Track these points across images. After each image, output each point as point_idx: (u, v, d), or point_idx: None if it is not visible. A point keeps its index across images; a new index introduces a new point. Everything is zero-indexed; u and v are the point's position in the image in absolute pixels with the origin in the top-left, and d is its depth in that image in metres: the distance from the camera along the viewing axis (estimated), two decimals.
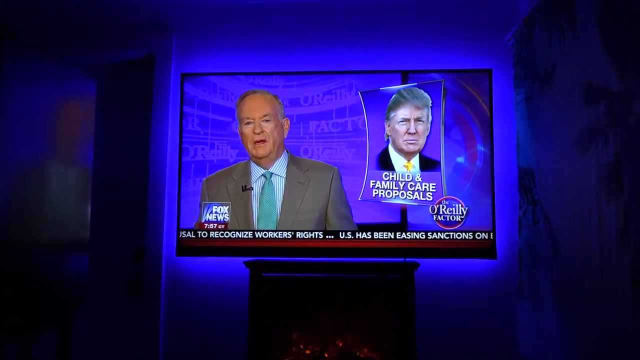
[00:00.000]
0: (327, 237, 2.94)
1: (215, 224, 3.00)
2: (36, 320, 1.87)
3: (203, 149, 3.07)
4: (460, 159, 2.99)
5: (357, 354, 2.81)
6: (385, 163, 2.99)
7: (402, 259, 2.86)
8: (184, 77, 3.12)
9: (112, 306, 3.10)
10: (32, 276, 2.02)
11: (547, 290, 2.64)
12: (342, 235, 2.94)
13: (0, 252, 1.82)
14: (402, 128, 3.00)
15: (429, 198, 2.95)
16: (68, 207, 2.41)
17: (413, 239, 2.92)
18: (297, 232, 2.95)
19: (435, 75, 3.02)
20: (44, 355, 1.89)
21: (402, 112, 3.00)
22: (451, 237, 2.92)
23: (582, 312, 2.30)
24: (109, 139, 3.33)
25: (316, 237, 2.95)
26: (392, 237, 2.93)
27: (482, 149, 2.98)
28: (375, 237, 2.94)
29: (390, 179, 2.97)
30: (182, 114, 3.10)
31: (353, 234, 2.94)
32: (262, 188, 3.00)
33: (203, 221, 3.00)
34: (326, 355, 2.81)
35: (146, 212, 3.11)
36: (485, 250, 2.93)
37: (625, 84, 1.94)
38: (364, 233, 2.94)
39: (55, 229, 2.27)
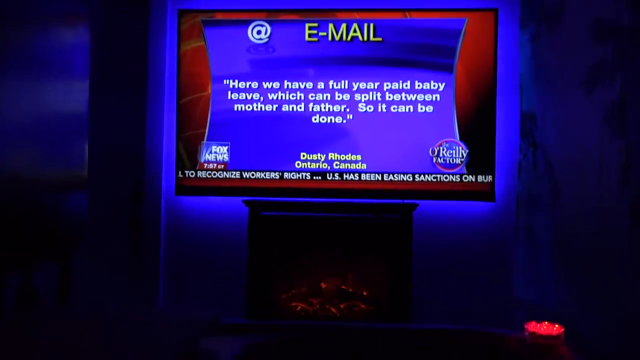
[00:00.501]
0: (328, 177, 2.94)
1: (215, 164, 2.99)
2: (36, 253, 1.89)
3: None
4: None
5: (354, 292, 2.86)
6: None
7: (400, 200, 2.87)
8: (181, 13, 3.04)
9: (112, 245, 3.13)
10: (32, 211, 2.02)
11: (544, 234, 2.66)
12: (344, 177, 2.94)
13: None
14: None
15: None
16: (65, 145, 2.39)
17: (412, 181, 2.92)
18: (300, 173, 2.95)
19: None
20: (45, 287, 1.92)
21: None
22: (450, 180, 2.92)
23: (579, 255, 2.32)
24: (105, 81, 3.27)
25: (316, 178, 2.94)
26: (392, 179, 2.93)
27: (485, 91, 2.94)
28: (375, 179, 2.93)
29: None
30: (179, 51, 3.03)
31: (355, 175, 2.93)
32: None
33: (202, 161, 2.99)
34: (324, 293, 2.86)
35: (144, 152, 3.09)
36: (484, 193, 2.93)
37: (636, 20, 1.89)
38: (365, 175, 2.93)
39: (53, 166, 2.25)
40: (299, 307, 2.87)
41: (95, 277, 2.97)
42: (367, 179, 2.93)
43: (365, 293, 2.87)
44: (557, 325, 1.40)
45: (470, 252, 3.02)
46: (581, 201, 2.29)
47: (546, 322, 1.41)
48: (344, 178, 2.94)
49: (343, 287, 2.87)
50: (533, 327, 1.42)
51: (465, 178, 2.93)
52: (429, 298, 2.91)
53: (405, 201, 2.85)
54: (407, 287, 2.75)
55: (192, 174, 3.00)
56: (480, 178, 2.92)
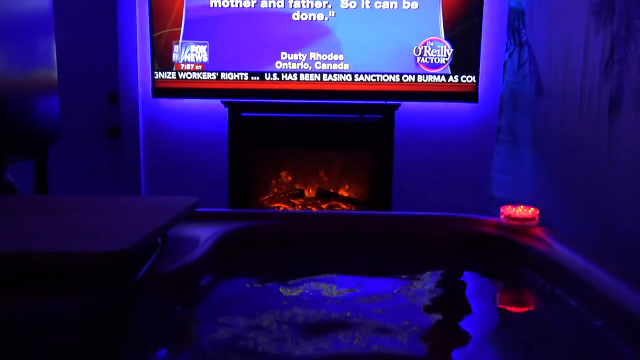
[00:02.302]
0: (309, 78, 2.87)
1: (193, 64, 2.89)
2: (7, 149, 1.85)
3: None
4: None
5: (336, 193, 2.89)
6: None
7: (383, 101, 2.83)
8: None
9: (90, 147, 3.09)
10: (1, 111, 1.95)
11: (525, 133, 2.67)
12: (326, 77, 2.87)
13: None
14: None
15: None
16: (30, 44, 2.27)
17: (395, 82, 2.87)
18: (281, 74, 2.87)
19: None
20: (22, 183, 1.90)
21: None
22: (434, 81, 2.87)
23: (558, 152, 2.35)
24: None
25: (298, 78, 2.87)
26: (375, 79, 2.87)
27: None
28: (358, 80, 2.87)
29: None
30: None
31: (338, 75, 2.86)
32: None
33: (180, 61, 2.88)
34: (305, 194, 2.88)
35: (118, 53, 2.96)
36: (467, 94, 2.90)
37: None
38: (348, 75, 2.87)
39: (20, 66, 2.15)
40: (281, 208, 2.90)
41: (74, 176, 2.96)
42: (350, 79, 2.87)
43: (346, 194, 2.90)
44: (532, 208, 1.42)
45: (451, 153, 3.04)
46: (564, 98, 2.28)
47: (521, 206, 1.43)
48: (326, 79, 2.87)
49: (324, 188, 2.89)
50: (508, 210, 1.44)
51: (449, 78, 2.88)
52: (409, 198, 2.95)
53: (387, 102, 2.81)
54: (388, 187, 2.78)
55: (169, 75, 2.90)
56: (464, 79, 2.88)
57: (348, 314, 1.16)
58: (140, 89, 3.01)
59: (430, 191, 3.03)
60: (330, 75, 2.87)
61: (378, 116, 2.77)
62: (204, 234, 1.37)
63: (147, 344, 1.03)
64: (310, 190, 2.90)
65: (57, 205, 1.37)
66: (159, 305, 1.09)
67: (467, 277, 1.42)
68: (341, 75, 2.87)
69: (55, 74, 2.54)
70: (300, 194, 2.87)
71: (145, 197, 2.13)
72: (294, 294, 1.29)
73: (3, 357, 0.95)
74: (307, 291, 1.31)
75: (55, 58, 2.56)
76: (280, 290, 1.29)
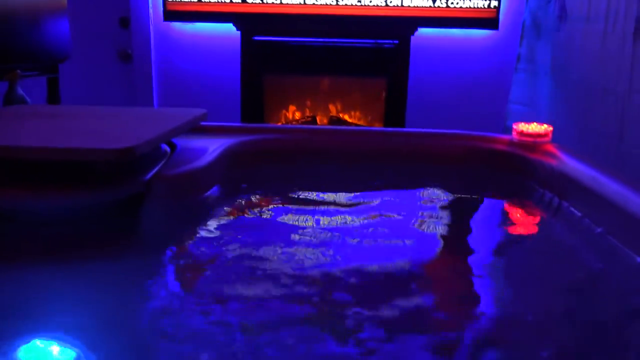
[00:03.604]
0: (325, 1, 2.77)
1: None
2: (19, 64, 1.85)
3: None
4: None
5: (349, 120, 2.86)
6: None
7: (399, 26, 2.75)
8: None
9: (103, 71, 3.07)
10: (12, 30, 1.94)
11: (545, 62, 2.59)
12: (341, 1, 2.78)
13: None
14: None
15: None
16: None
17: (412, 6, 2.77)
18: None
19: None
20: (36, 98, 1.93)
21: None
22: (452, 5, 2.77)
23: (577, 81, 2.28)
24: None
25: (312, 2, 2.78)
26: (391, 3, 2.77)
27: None
28: (373, 4, 2.77)
29: None
30: None
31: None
32: None
33: None
34: (317, 121, 2.86)
35: None
36: (488, 20, 2.80)
37: None
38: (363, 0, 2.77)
39: None
40: None
41: (87, 100, 2.97)
42: (366, 3, 2.78)
43: (359, 121, 2.88)
44: (545, 125, 1.40)
45: (468, 82, 2.97)
46: (587, 21, 2.19)
47: (535, 122, 1.40)
48: (341, 2, 2.78)
49: (338, 115, 2.86)
50: (521, 127, 1.41)
51: (469, 4, 2.77)
52: (423, 127, 2.90)
53: (403, 27, 2.73)
54: (402, 115, 2.74)
55: None
56: (484, 3, 2.77)
57: (352, 224, 1.17)
58: (151, 12, 2.95)
59: (445, 122, 2.99)
60: None
61: (394, 42, 2.70)
62: (213, 144, 1.37)
63: (154, 239, 1.06)
64: (323, 117, 2.88)
65: (69, 112, 1.38)
66: (166, 206, 1.11)
67: (476, 193, 1.42)
68: None
69: None
70: (313, 121, 2.85)
71: (154, 108, 2.13)
72: (300, 205, 1.31)
73: (23, 247, 0.99)
74: (312, 204, 1.32)
75: None
76: (287, 201, 1.30)
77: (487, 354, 0.76)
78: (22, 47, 1.94)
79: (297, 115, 2.91)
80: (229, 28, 2.81)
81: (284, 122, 2.89)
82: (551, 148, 1.34)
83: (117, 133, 1.12)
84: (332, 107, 2.89)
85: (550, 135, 1.39)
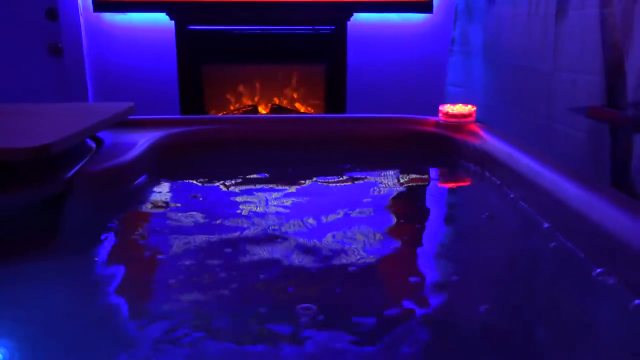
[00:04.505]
0: None
1: None
2: None
3: None
4: None
5: (289, 107, 2.86)
6: None
7: (335, 12, 2.76)
8: None
9: (32, 66, 2.95)
10: None
11: (477, 44, 2.66)
12: None
13: None
14: None
15: None
16: None
17: None
18: None
19: None
20: None
21: None
22: None
23: (506, 62, 2.36)
24: None
25: None
26: None
27: None
28: None
29: None
30: None
31: None
32: None
33: None
34: (259, 111, 2.85)
35: None
36: (422, 4, 2.84)
37: None
38: None
39: None
40: None
41: (17, 97, 2.85)
42: None
43: (301, 108, 2.88)
44: (469, 106, 1.44)
45: (407, 65, 3.01)
46: (513, 4, 2.26)
47: (460, 104, 1.45)
48: None
49: (278, 103, 2.86)
50: (446, 108, 1.46)
51: None
52: (363, 112, 2.94)
53: (339, 12, 2.74)
54: (342, 100, 2.76)
55: None
56: None
57: (286, 211, 1.17)
58: (80, 2, 2.85)
59: (386, 106, 3.03)
60: None
61: (331, 27, 2.71)
62: (140, 138, 1.35)
63: (77, 238, 1.03)
64: (265, 106, 2.87)
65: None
66: (91, 203, 1.09)
67: (409, 171, 1.45)
68: None
69: None
70: (254, 110, 2.83)
71: (79, 103, 2.06)
72: (237, 195, 1.30)
73: None
74: (243, 195, 1.32)
75: None
76: (223, 190, 1.30)
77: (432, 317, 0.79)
78: None
79: (238, 104, 2.89)
80: (162, 18, 2.74)
81: (225, 113, 2.86)
82: (475, 128, 1.39)
83: (34, 130, 1.09)
84: (272, 95, 2.88)
85: (474, 115, 1.43)
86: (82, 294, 0.91)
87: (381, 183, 1.38)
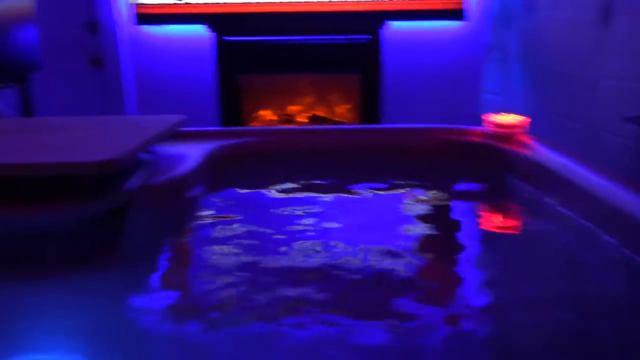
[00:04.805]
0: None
1: None
2: None
3: None
4: None
5: (324, 116, 2.87)
6: None
7: (370, 21, 2.76)
8: None
9: (74, 77, 3.02)
10: None
11: (515, 50, 2.63)
12: None
13: None
14: None
15: None
16: None
17: (382, 0, 2.78)
18: None
19: None
20: (10, 109, 1.90)
21: None
22: None
23: (547, 67, 2.33)
24: None
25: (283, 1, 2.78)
26: None
27: None
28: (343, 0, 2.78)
29: None
30: None
31: None
32: None
33: None
34: (295, 120, 2.87)
35: None
36: (454, 11, 2.83)
37: None
38: None
39: None
40: None
41: (59, 108, 2.92)
42: None
43: (337, 117, 2.89)
44: (520, 116, 1.43)
45: (441, 72, 3.00)
46: (554, 9, 2.23)
47: (509, 113, 1.43)
48: (312, 0, 2.78)
49: (314, 112, 2.87)
50: (495, 118, 1.44)
51: None
52: (400, 120, 2.94)
53: (373, 21, 2.75)
54: (378, 109, 2.76)
55: (149, 0, 2.80)
56: None
57: (330, 218, 1.18)
58: (120, 15, 2.91)
59: (419, 113, 3.02)
60: None
61: (365, 36, 2.72)
62: (192, 150, 1.37)
63: (142, 250, 1.06)
64: (301, 116, 2.88)
65: (45, 124, 1.36)
66: (152, 214, 1.11)
67: (452, 185, 1.44)
68: None
69: (31, 3, 2.45)
70: (291, 120, 2.85)
71: (131, 117, 2.11)
72: (283, 198, 1.31)
73: (5, 263, 0.98)
74: (296, 204, 1.33)
75: None
76: (271, 196, 1.31)
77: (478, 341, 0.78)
78: None
79: (274, 114, 2.91)
80: (200, 30, 2.79)
81: (261, 122, 2.89)
82: (525, 138, 1.38)
83: (95, 145, 1.12)
84: (309, 105, 2.90)
85: (525, 126, 1.42)
86: (144, 302, 0.93)
87: (424, 195, 1.37)
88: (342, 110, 2.91)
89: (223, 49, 2.72)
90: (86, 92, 3.02)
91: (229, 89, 2.76)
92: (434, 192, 1.42)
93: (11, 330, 0.82)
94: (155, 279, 1.01)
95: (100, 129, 1.32)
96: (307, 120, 2.86)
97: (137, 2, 2.80)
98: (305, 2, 2.77)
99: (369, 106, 2.78)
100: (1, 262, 1.01)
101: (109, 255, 1.05)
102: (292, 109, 2.89)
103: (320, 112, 2.88)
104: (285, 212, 1.28)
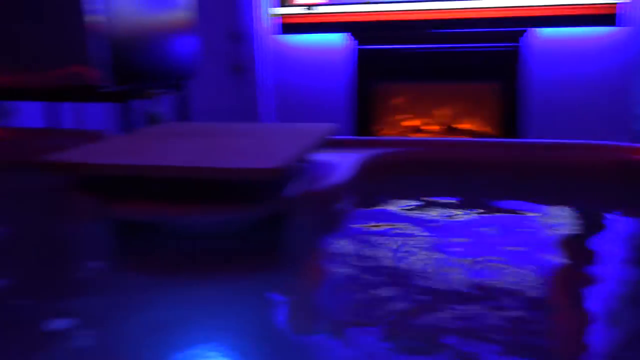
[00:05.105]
0: (432, 7, 2.74)
1: None
2: (155, 85, 2.01)
3: None
4: None
5: (461, 127, 2.80)
6: None
7: (511, 29, 2.66)
8: None
9: (215, 83, 3.23)
10: (146, 48, 2.11)
11: None
12: (452, 5, 2.73)
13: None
14: None
15: None
16: None
17: (525, 6, 2.66)
18: (403, 4, 2.77)
19: None
20: (168, 114, 2.09)
21: None
22: (568, 3, 2.63)
23: None
24: None
25: (420, 8, 2.76)
26: (503, 4, 2.68)
27: None
28: (484, 6, 2.70)
29: None
30: None
31: (463, 2, 2.71)
32: None
33: None
34: (428, 128, 2.83)
35: None
36: (605, 17, 2.63)
37: None
38: (473, 1, 2.70)
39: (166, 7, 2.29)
40: None
41: (201, 112, 3.14)
42: (476, 6, 2.71)
43: (472, 128, 2.81)
44: None
45: (590, 83, 2.80)
46: None
47: None
48: (452, 7, 2.74)
49: (449, 122, 2.82)
50: None
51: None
52: (541, 134, 2.79)
53: (517, 28, 2.64)
54: (518, 121, 2.65)
55: (292, 10, 2.92)
56: None
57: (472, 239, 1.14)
58: (263, 25, 3.06)
59: (564, 127, 2.84)
60: (456, 1, 2.72)
61: (506, 44, 2.62)
62: (345, 158, 1.40)
63: (297, 258, 1.09)
64: (436, 125, 2.84)
65: (207, 130, 1.46)
66: (309, 222, 1.15)
67: (611, 210, 1.33)
68: (466, 1, 2.71)
69: (193, 14, 2.65)
70: (423, 128, 2.83)
71: (283, 124, 2.22)
72: (433, 216, 1.29)
73: (177, 261, 1.06)
74: (443, 217, 1.30)
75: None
76: (419, 214, 1.30)
77: None
78: (158, 67, 2.09)
79: (408, 122, 2.90)
80: (338, 38, 2.85)
81: (396, 132, 2.89)
82: None
83: (262, 152, 1.18)
84: (444, 114, 2.85)
85: None
86: (300, 306, 0.96)
87: (577, 219, 1.27)
88: (480, 121, 2.83)
89: (361, 57, 2.76)
90: (226, 98, 3.21)
91: (364, 97, 2.79)
92: (586, 215, 1.31)
93: (180, 329, 0.87)
94: (312, 283, 1.04)
95: (262, 136, 1.39)
96: (442, 130, 2.82)
97: (276, 13, 2.93)
98: (446, 9, 2.73)
99: (509, 117, 2.67)
100: (174, 260, 1.09)
101: (269, 259, 1.09)
102: (426, 117, 2.86)
103: (459, 123, 2.82)
104: (434, 226, 1.26)
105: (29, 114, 2.53)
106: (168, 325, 0.86)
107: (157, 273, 1.01)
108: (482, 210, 1.28)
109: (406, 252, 1.12)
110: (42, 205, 1.27)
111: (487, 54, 2.69)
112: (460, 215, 1.31)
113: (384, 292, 0.98)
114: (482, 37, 2.69)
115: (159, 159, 1.14)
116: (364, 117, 2.79)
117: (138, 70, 1.96)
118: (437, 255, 1.10)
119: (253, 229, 1.15)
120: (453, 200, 1.35)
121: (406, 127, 2.88)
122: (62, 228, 1.16)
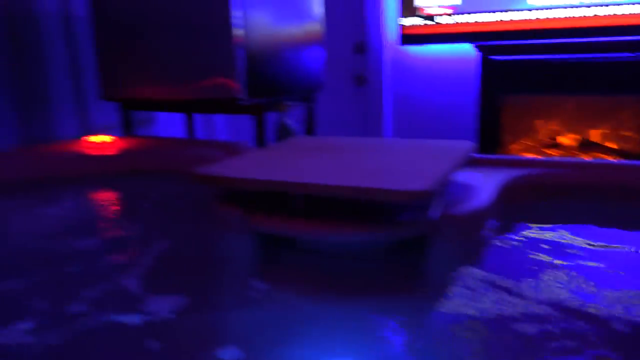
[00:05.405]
0: (566, 14, 2.56)
1: (442, 8, 2.81)
2: (289, 96, 2.06)
3: None
4: None
5: (600, 144, 2.58)
6: None
7: None
8: None
9: (339, 95, 3.26)
10: (279, 61, 2.17)
11: None
12: (587, 11, 2.53)
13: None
14: None
15: None
16: None
17: None
18: (534, 11, 2.62)
19: None
20: (297, 124, 2.14)
21: None
22: None
23: None
24: None
25: (555, 16, 2.59)
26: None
27: None
28: (626, 12, 2.47)
29: None
30: None
31: (601, 7, 2.50)
32: None
33: (427, 6, 2.83)
34: (562, 144, 2.64)
35: (365, 2, 3.03)
36: None
37: None
38: (614, 6, 2.48)
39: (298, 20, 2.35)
40: None
41: (324, 122, 3.18)
42: (616, 12, 2.48)
43: (614, 146, 2.58)
44: None
45: None
46: None
47: None
48: (587, 13, 2.53)
49: (585, 137, 2.61)
50: None
51: None
52: None
53: None
54: None
55: (416, 21, 2.87)
56: None
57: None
58: (387, 36, 3.05)
59: None
60: (592, 7, 2.51)
61: None
62: (486, 179, 1.33)
63: (437, 280, 1.05)
64: (569, 141, 2.65)
65: (342, 145, 1.46)
66: (449, 245, 1.10)
67: None
68: (605, 5, 2.49)
69: (322, 25, 2.70)
70: (557, 145, 2.64)
71: (413, 140, 2.19)
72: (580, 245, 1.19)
73: (315, 278, 1.06)
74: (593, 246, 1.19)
75: (323, 10, 2.72)
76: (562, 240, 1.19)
77: None
78: (290, 79, 2.15)
79: (538, 137, 2.73)
80: (464, 49, 2.76)
81: (524, 147, 2.73)
82: None
83: (407, 172, 1.15)
84: (578, 129, 2.65)
85: None
86: (444, 329, 0.91)
87: None
88: (621, 137, 2.59)
89: (488, 68, 2.64)
90: (347, 110, 3.23)
91: (491, 111, 2.67)
92: None
93: (321, 342, 0.86)
94: (454, 307, 0.99)
95: (398, 153, 1.36)
96: (575, 145, 2.62)
97: (402, 23, 2.90)
98: (581, 16, 2.54)
99: None
100: (313, 277, 1.09)
101: (410, 281, 1.06)
102: (558, 132, 2.68)
103: (592, 138, 2.61)
104: (583, 254, 1.15)
105: (165, 123, 2.72)
106: (295, 342, 0.86)
107: (297, 290, 1.02)
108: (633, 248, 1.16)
109: (560, 282, 1.03)
110: (191, 216, 1.34)
111: (627, 64, 2.45)
112: (615, 245, 1.19)
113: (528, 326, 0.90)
114: (621, 45, 2.46)
115: (302, 176, 1.15)
116: (489, 132, 2.67)
117: (272, 83, 2.03)
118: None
119: (393, 251, 1.12)
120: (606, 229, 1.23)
121: (539, 142, 2.71)
122: (212, 241, 1.21)
